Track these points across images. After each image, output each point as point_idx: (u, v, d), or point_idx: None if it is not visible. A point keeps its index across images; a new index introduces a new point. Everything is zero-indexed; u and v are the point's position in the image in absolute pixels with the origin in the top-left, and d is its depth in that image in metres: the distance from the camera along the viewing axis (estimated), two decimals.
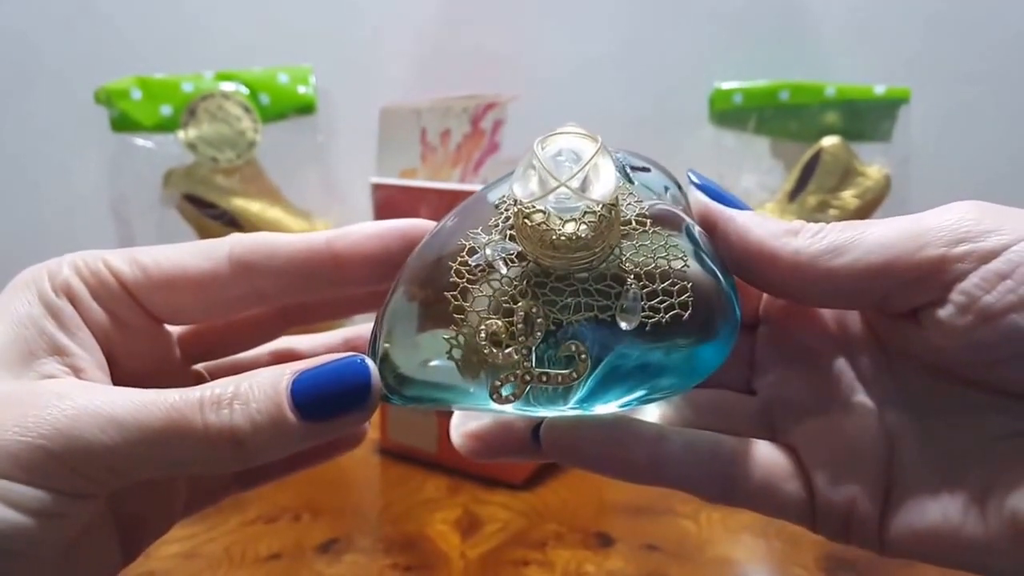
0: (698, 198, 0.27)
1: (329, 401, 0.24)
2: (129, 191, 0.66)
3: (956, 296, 0.23)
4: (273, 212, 0.67)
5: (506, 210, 0.25)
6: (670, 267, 0.24)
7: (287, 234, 0.28)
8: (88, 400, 0.23)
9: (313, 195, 0.70)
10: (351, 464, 0.61)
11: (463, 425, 0.28)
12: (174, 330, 0.31)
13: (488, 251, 0.24)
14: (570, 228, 0.23)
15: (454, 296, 0.24)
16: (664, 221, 0.25)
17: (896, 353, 0.27)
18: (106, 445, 0.22)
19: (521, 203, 0.24)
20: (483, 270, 0.24)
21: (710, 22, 0.79)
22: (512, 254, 0.24)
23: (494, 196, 0.26)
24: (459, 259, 0.24)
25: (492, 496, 0.56)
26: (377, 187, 0.57)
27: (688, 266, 0.24)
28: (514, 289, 0.24)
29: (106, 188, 0.67)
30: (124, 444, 0.22)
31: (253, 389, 0.23)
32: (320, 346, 0.34)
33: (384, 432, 0.61)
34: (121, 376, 0.27)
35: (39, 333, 0.25)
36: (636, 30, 0.79)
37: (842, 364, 0.28)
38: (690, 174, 0.27)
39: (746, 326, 0.29)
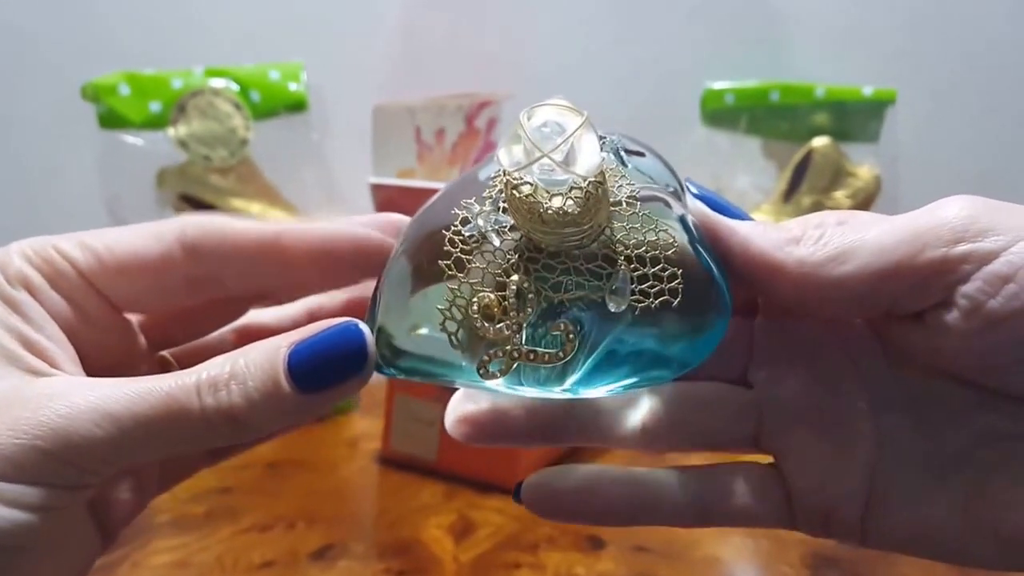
0: (698, 208, 0.26)
1: (326, 370, 0.23)
2: (119, 189, 0.65)
3: (960, 300, 0.23)
4: (274, 213, 0.66)
5: (497, 183, 0.25)
6: (661, 252, 0.24)
7: (242, 221, 0.28)
8: (81, 397, 0.23)
9: (310, 194, 0.69)
10: (349, 473, 0.61)
11: (458, 409, 0.28)
12: (136, 318, 0.30)
13: (480, 221, 0.24)
14: (557, 202, 0.23)
15: (448, 266, 0.24)
16: (656, 205, 0.25)
17: (896, 351, 0.27)
18: (102, 439, 0.22)
19: (509, 174, 0.23)
20: (476, 241, 0.24)
21: (701, 22, 0.78)
22: (505, 226, 0.24)
23: (484, 175, 0.26)
24: (452, 228, 0.24)
25: (486, 501, 0.56)
26: (376, 188, 0.56)
27: (679, 253, 0.24)
28: (507, 263, 0.24)
29: (95, 185, 0.66)
30: (120, 436, 0.22)
31: (249, 367, 0.23)
32: (284, 319, 0.34)
33: (386, 442, 0.61)
34: (89, 368, 0.27)
35: (6, 330, 0.25)
36: (628, 29, 0.79)
37: (841, 359, 0.28)
38: (688, 185, 0.27)
39: (746, 313, 0.29)
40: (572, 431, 0.28)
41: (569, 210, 0.23)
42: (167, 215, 0.64)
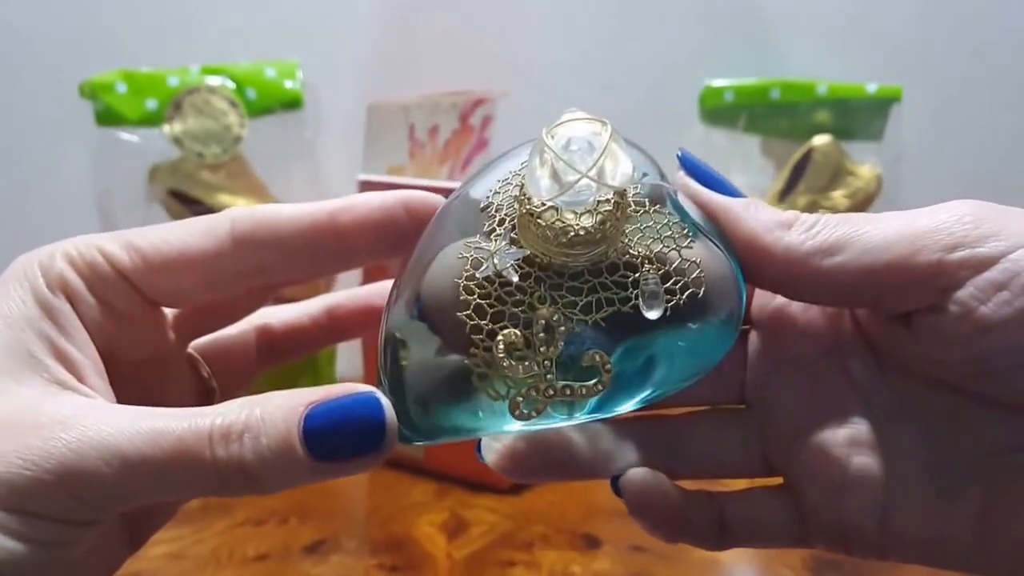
0: (687, 184, 0.26)
1: (343, 442, 0.23)
2: (113, 185, 0.65)
3: (951, 305, 0.22)
4: None
5: (497, 211, 0.24)
6: (677, 247, 0.23)
7: (288, 206, 0.27)
8: (95, 429, 0.22)
9: (300, 191, 0.69)
10: None
11: (492, 447, 0.27)
12: (171, 312, 0.30)
13: (496, 261, 0.23)
14: (587, 221, 0.22)
15: (468, 316, 0.23)
16: (658, 200, 0.24)
17: (890, 360, 0.26)
18: (109, 477, 0.22)
19: (529, 203, 0.23)
20: (493, 282, 0.23)
21: (700, 19, 0.78)
22: (519, 259, 0.23)
23: (477, 192, 0.25)
24: (465, 274, 0.23)
25: (479, 500, 0.56)
26: (365, 184, 0.56)
27: (694, 241, 0.24)
28: (531, 296, 0.23)
29: (90, 182, 0.66)
30: (129, 476, 0.22)
31: (264, 422, 0.22)
32: (303, 316, 0.34)
33: None
34: (118, 368, 0.27)
35: (37, 336, 0.24)
36: (626, 26, 0.78)
37: (836, 373, 0.27)
38: (679, 155, 0.26)
39: (740, 333, 0.29)
40: (584, 465, 0.27)
41: (600, 226, 0.22)
42: (155, 210, 0.64)
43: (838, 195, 0.69)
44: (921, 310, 0.23)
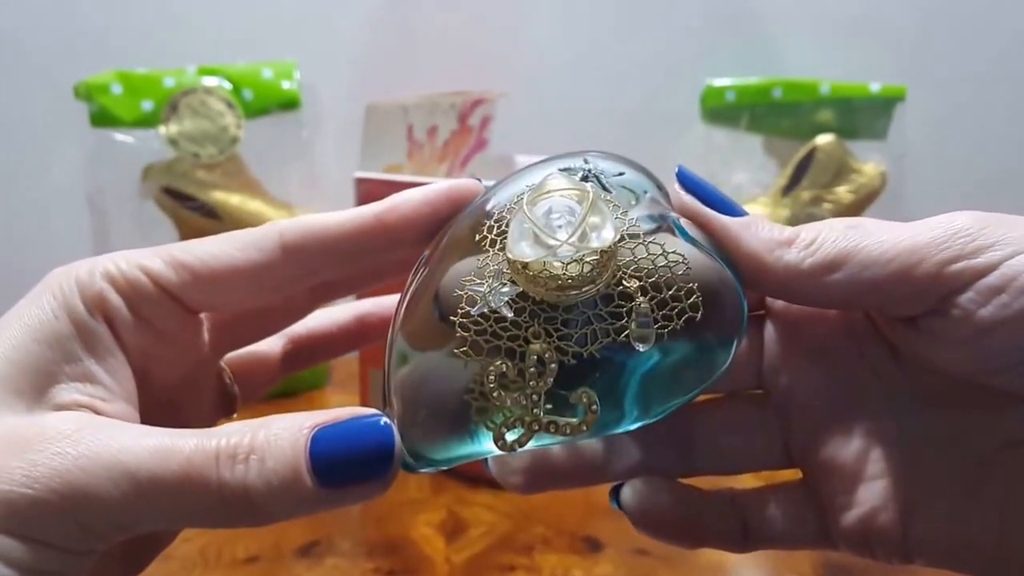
0: (685, 203, 0.26)
1: (349, 467, 0.22)
2: (108, 187, 0.65)
3: (952, 309, 0.23)
4: (254, 204, 0.65)
5: (491, 245, 0.24)
6: (672, 272, 0.24)
7: (332, 214, 0.27)
8: (103, 446, 0.21)
9: (296, 191, 0.69)
10: None
11: (505, 464, 0.27)
12: (208, 320, 0.29)
13: (491, 299, 0.23)
14: (574, 269, 0.23)
15: (465, 352, 0.23)
16: (656, 224, 0.25)
17: (900, 352, 0.26)
18: (117, 499, 0.21)
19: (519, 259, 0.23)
20: (488, 318, 0.23)
21: (702, 18, 0.78)
22: (514, 295, 0.23)
23: (476, 219, 0.26)
24: (460, 311, 0.23)
25: (476, 496, 0.55)
26: (360, 181, 0.56)
27: (690, 268, 0.24)
28: (525, 331, 0.23)
29: (85, 184, 0.66)
30: (136, 498, 0.21)
31: (270, 444, 0.22)
32: (330, 323, 0.34)
33: None
34: (150, 386, 0.26)
35: (64, 356, 0.23)
36: (627, 26, 0.79)
37: (856, 363, 0.27)
38: (678, 174, 0.26)
39: (755, 318, 0.29)
40: (611, 467, 0.28)
41: (587, 272, 0.23)
42: (148, 207, 0.64)
43: (842, 190, 0.69)
44: (924, 313, 0.24)
